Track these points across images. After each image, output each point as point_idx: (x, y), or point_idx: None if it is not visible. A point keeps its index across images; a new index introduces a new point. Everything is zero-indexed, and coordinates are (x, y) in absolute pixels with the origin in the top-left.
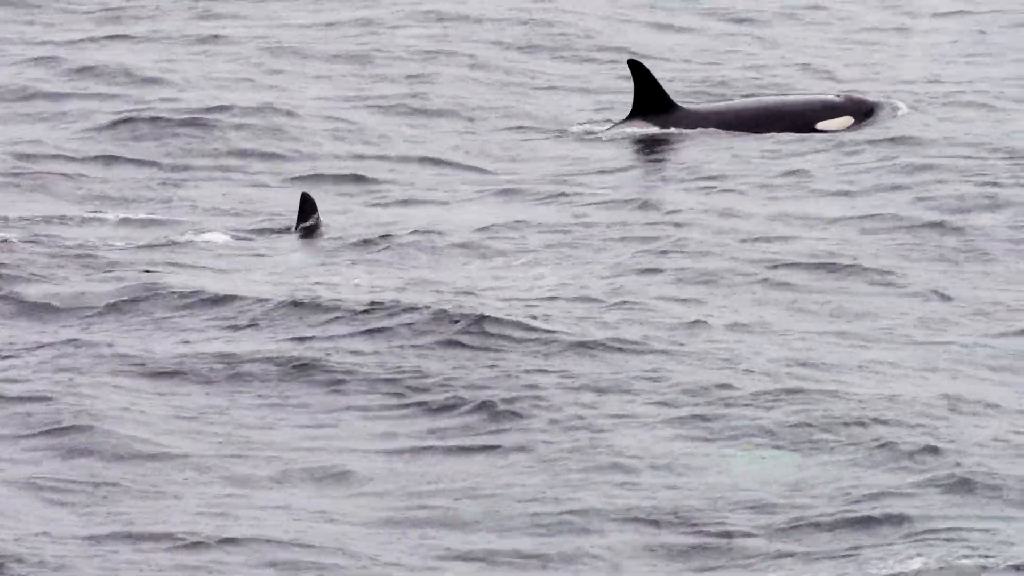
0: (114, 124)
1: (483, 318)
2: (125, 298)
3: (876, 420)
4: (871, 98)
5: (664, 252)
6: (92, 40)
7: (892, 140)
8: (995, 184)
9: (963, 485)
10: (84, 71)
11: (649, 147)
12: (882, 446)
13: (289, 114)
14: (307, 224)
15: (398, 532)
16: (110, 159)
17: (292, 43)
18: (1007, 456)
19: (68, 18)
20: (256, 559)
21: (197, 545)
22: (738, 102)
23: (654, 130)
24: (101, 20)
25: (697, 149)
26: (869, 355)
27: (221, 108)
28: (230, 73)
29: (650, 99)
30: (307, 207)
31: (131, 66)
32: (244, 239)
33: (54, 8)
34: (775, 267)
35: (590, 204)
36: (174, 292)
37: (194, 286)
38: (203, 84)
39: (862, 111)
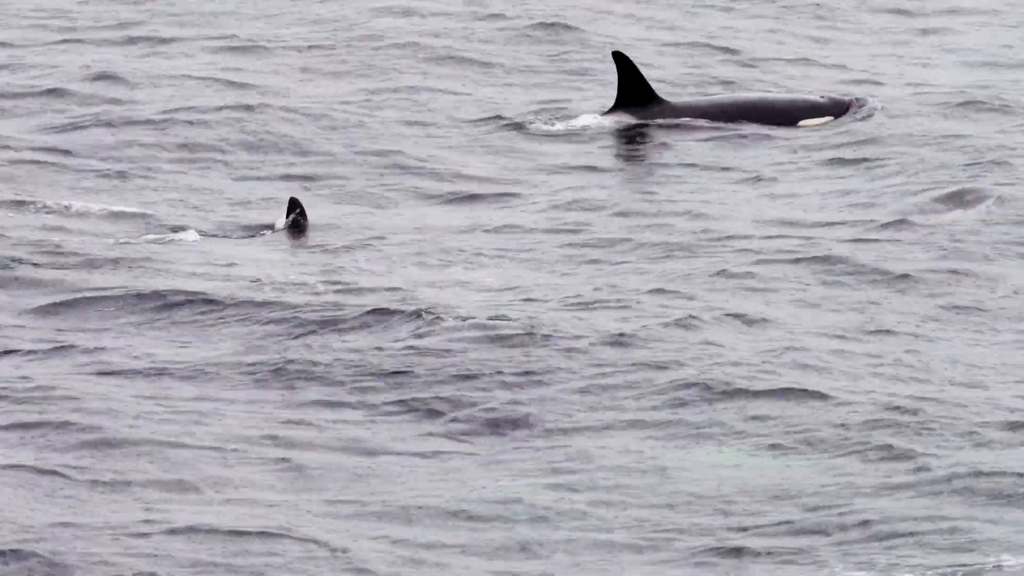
0: (77, 124)
1: (443, 318)
2: (89, 296)
3: (847, 420)
4: (852, 98)
5: (636, 249)
6: (48, 43)
7: (868, 140)
8: (963, 184)
9: (930, 488)
10: (42, 75)
11: (629, 140)
12: (852, 448)
13: (249, 111)
14: (287, 225)
15: (349, 524)
16: (72, 159)
17: (250, 40)
18: (976, 458)
19: (15, 20)
20: (206, 548)
21: (146, 535)
22: (722, 97)
23: (637, 122)
24: (52, 23)
25: (676, 143)
26: (840, 354)
27: (182, 108)
28: (187, 72)
29: (634, 91)
30: (292, 210)
31: (89, 67)
32: (213, 237)
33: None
34: (755, 264)
35: (560, 200)
36: (137, 290)
37: (157, 285)
38: (162, 83)
39: (844, 111)
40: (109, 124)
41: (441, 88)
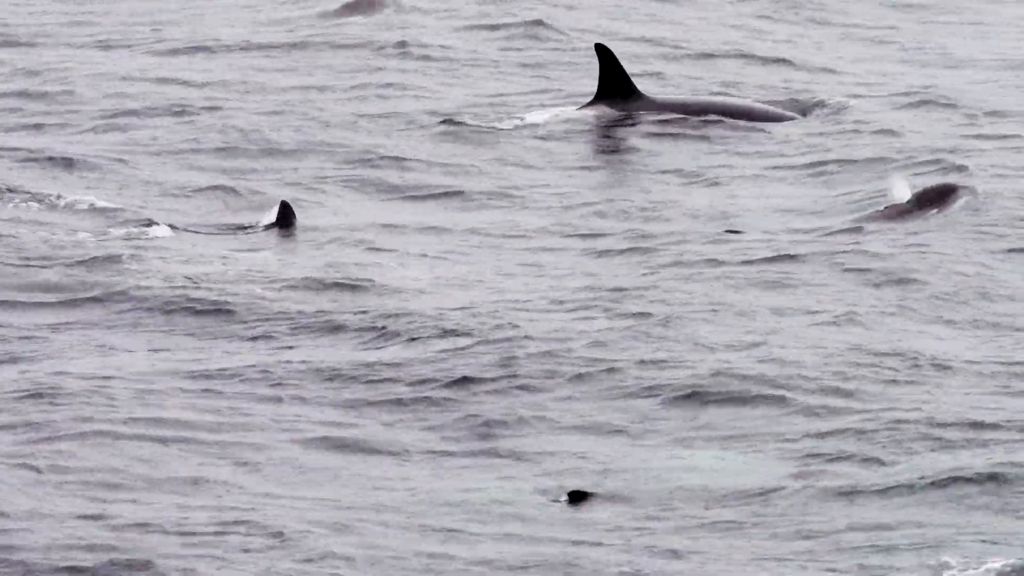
0: (29, 124)
1: (404, 317)
2: (63, 295)
3: (807, 423)
4: (817, 101)
5: (605, 247)
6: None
7: (837, 143)
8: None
9: (884, 490)
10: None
11: (607, 134)
12: (806, 449)
13: (212, 111)
14: (269, 225)
15: (306, 517)
16: (42, 155)
17: (193, 41)
18: (935, 461)
19: None
20: (162, 540)
21: (100, 528)
22: (702, 99)
23: (617, 115)
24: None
25: (651, 141)
26: (806, 354)
27: (131, 110)
28: (135, 74)
29: (614, 84)
30: (282, 213)
31: (35, 70)
32: (188, 232)
33: None
34: (725, 263)
35: (533, 197)
36: (100, 283)
37: (130, 282)
38: (108, 85)
39: (812, 118)
40: (62, 124)
41: (393, 83)
